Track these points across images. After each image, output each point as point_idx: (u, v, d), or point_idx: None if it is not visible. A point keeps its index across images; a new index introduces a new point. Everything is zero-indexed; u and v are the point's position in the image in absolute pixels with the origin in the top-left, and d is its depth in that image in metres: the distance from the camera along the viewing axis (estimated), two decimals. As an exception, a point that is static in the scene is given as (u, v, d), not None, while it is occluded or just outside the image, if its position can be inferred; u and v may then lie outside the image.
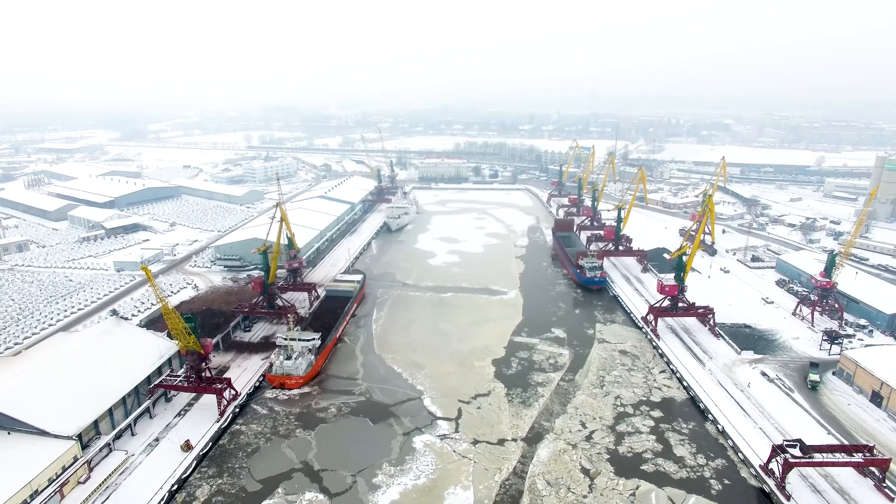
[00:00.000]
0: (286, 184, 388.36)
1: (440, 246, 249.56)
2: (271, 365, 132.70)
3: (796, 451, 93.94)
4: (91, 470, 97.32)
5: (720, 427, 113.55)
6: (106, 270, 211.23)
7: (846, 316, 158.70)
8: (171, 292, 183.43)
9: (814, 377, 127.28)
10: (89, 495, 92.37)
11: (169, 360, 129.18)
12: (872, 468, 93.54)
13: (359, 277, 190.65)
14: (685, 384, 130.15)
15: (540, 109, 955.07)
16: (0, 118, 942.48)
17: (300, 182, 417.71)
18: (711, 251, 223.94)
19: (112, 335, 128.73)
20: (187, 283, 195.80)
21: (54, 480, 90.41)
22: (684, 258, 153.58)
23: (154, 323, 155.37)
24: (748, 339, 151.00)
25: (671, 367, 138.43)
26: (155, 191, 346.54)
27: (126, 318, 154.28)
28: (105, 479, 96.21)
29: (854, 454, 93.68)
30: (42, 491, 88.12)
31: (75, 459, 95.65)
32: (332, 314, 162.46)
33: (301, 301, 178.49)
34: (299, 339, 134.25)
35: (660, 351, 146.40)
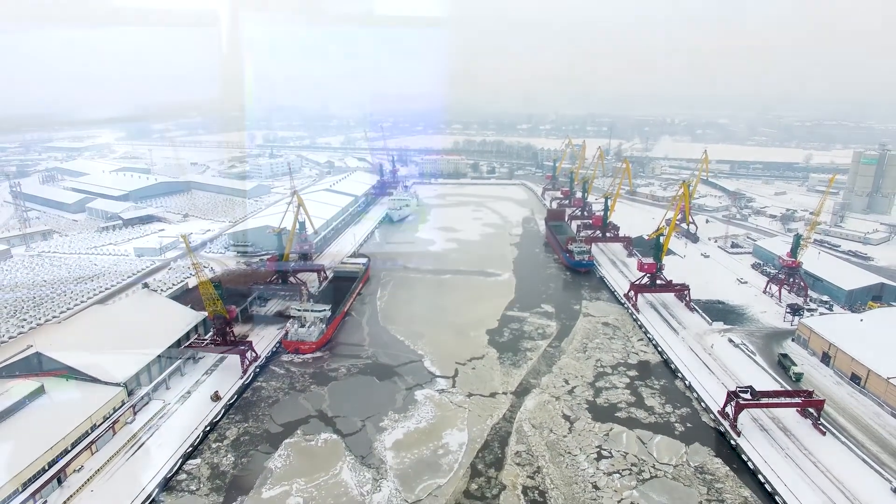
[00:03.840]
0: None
1: (439, 234, 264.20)
2: (287, 332, 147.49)
3: (747, 396, 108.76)
4: (135, 414, 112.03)
5: (687, 383, 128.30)
6: (127, 256, 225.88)
7: (811, 293, 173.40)
8: (190, 274, 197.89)
9: (797, 370, 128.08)
10: (136, 433, 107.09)
11: (195, 327, 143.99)
12: (811, 409, 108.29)
13: (364, 260, 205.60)
14: (659, 349, 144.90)
15: (538, 109, 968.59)
16: (6, 118, 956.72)
17: (305, 178, 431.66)
18: (693, 238, 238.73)
19: (145, 304, 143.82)
20: (204, 267, 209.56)
21: (108, 418, 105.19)
22: (661, 239, 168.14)
23: (176, 300, 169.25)
24: (720, 312, 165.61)
25: (648, 335, 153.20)
26: (166, 185, 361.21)
27: (156, 291, 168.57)
28: (148, 421, 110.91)
29: (796, 397, 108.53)
30: (98, 426, 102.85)
31: (122, 403, 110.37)
32: (339, 292, 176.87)
33: (311, 281, 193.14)
34: (312, 310, 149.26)
35: (639, 322, 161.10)
